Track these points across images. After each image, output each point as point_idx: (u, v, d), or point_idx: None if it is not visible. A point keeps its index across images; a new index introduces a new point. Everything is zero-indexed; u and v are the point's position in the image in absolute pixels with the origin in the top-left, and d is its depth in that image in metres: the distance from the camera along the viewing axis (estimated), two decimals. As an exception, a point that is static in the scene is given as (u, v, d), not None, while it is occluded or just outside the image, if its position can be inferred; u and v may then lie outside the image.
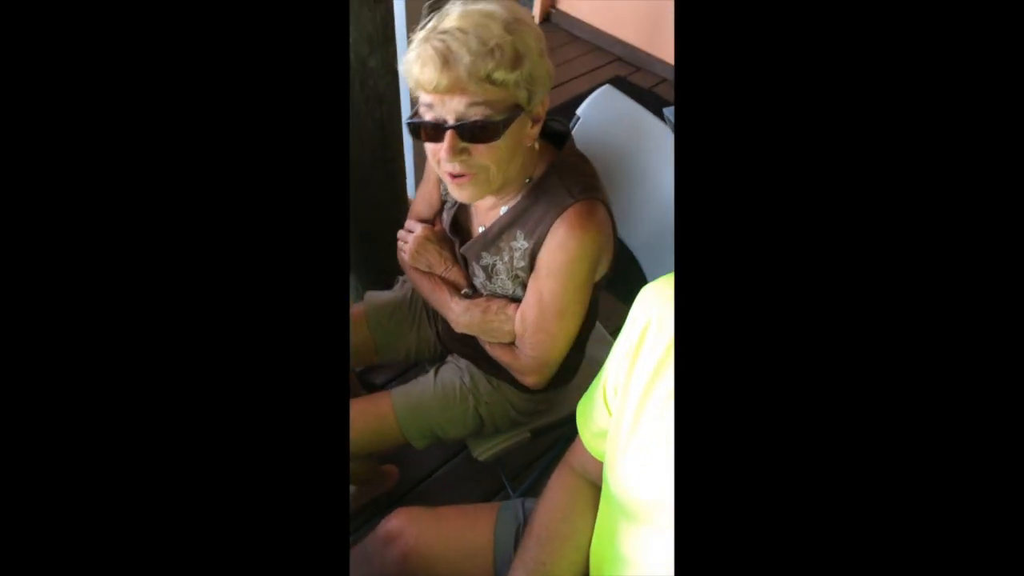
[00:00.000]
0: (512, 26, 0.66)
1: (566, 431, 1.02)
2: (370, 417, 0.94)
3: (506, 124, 0.68)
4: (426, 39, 0.65)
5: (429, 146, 0.71)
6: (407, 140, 1.56)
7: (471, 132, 0.67)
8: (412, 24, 1.32)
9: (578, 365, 1.00)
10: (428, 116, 0.68)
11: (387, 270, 1.31)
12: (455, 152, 0.68)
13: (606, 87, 1.05)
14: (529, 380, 0.87)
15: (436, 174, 0.91)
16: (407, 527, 0.77)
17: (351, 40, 0.97)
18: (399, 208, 1.30)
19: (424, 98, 0.68)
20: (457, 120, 0.67)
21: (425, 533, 0.76)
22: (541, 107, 0.73)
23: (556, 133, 0.83)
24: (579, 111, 1.04)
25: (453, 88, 0.65)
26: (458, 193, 0.75)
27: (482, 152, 0.69)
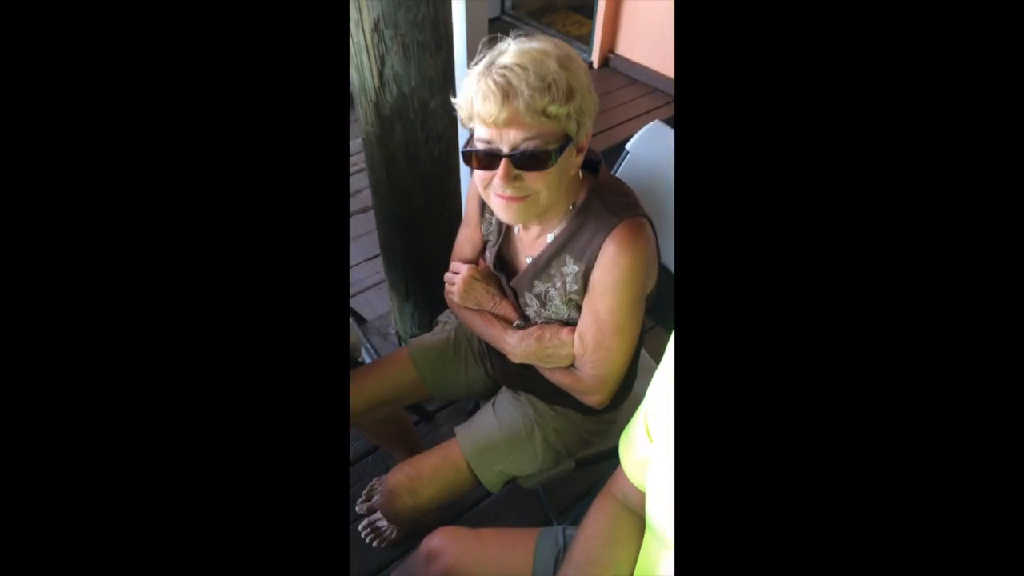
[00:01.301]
0: (565, 62, 0.71)
1: (612, 463, 1.01)
2: (444, 471, 0.96)
3: (557, 154, 0.72)
4: (486, 74, 0.70)
5: (479, 173, 0.76)
6: (464, 178, 1.63)
7: (524, 161, 0.72)
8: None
9: (634, 378, 0.99)
10: (482, 145, 0.73)
11: (437, 300, 1.36)
12: (508, 179, 0.73)
13: (655, 123, 1.08)
14: (594, 399, 0.88)
15: (476, 217, 0.97)
16: (449, 546, 0.78)
17: (413, 85, 1.04)
18: (454, 241, 1.36)
19: (480, 130, 0.73)
20: (511, 149, 0.71)
21: (466, 553, 0.77)
22: (585, 139, 0.77)
23: (589, 162, 0.86)
24: (628, 146, 1.07)
25: (511, 121, 0.70)
26: (506, 215, 0.78)
27: (534, 178, 0.74)
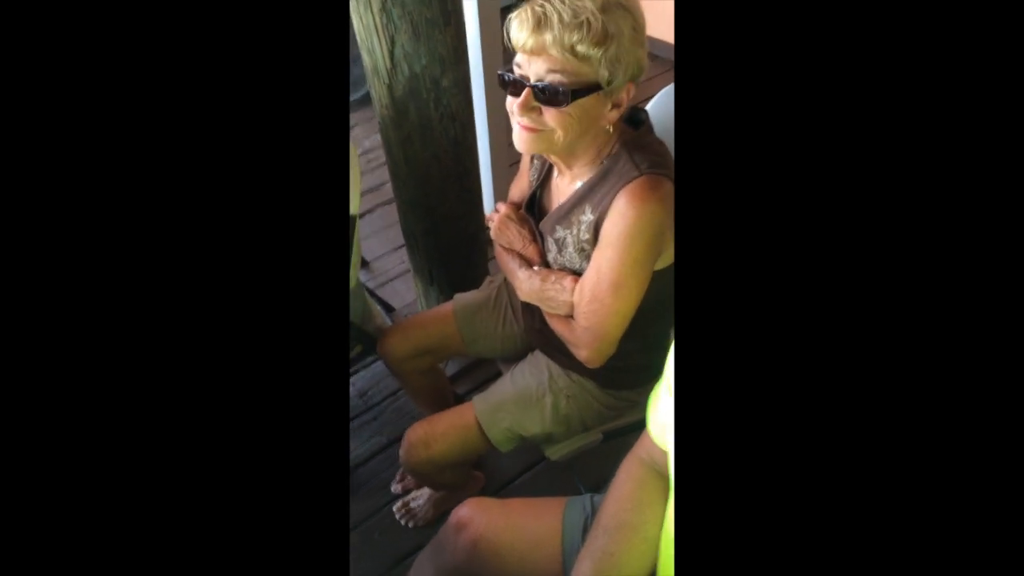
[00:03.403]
0: (609, 7, 0.70)
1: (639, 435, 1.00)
2: (457, 428, 1.00)
3: (576, 95, 0.72)
4: (532, 1, 0.71)
5: (509, 98, 0.77)
6: (482, 157, 1.63)
7: (543, 94, 0.73)
8: (486, 43, 1.42)
9: (661, 365, 0.98)
10: (516, 72, 0.75)
11: (464, 282, 1.36)
12: (526, 108, 0.74)
13: (670, 87, 1.05)
14: (583, 354, 0.86)
15: (527, 162, 0.99)
16: (477, 515, 0.78)
17: (424, 63, 1.04)
18: (475, 222, 1.36)
19: (518, 55, 0.74)
20: (535, 80, 0.72)
21: (494, 521, 0.77)
22: (624, 93, 0.76)
23: (638, 120, 0.86)
24: (647, 108, 1.05)
25: (538, 51, 0.71)
26: (517, 141, 0.79)
27: (551, 115, 0.74)
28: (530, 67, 0.73)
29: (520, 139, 0.78)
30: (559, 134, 0.75)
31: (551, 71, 0.71)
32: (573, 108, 0.73)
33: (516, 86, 0.74)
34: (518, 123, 0.77)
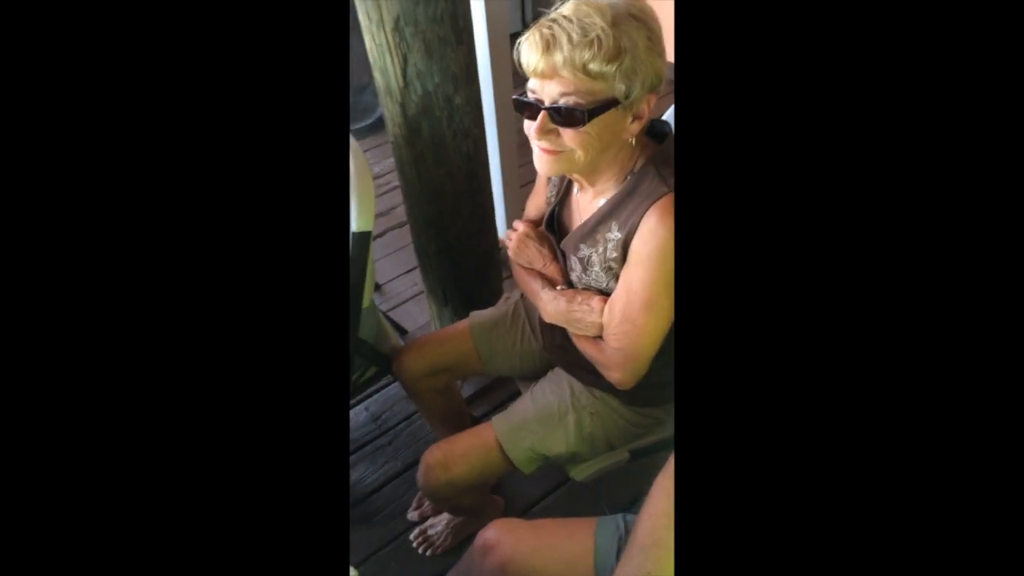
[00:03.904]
0: (620, 20, 0.68)
1: (670, 453, 0.96)
2: (477, 449, 0.96)
3: (593, 114, 0.70)
4: (540, 24, 0.70)
5: (526, 122, 0.76)
6: (495, 175, 1.63)
7: (559, 116, 0.71)
8: (496, 61, 1.43)
9: None
10: (530, 96, 0.73)
11: (479, 302, 1.34)
12: (543, 131, 0.72)
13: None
14: (615, 376, 0.84)
15: (544, 179, 0.97)
16: (504, 536, 0.75)
17: (437, 81, 1.05)
18: (488, 240, 1.35)
19: (531, 80, 0.73)
20: (550, 103, 0.71)
21: (523, 543, 0.74)
22: (645, 105, 0.74)
23: (657, 131, 0.84)
24: (665, 116, 1.04)
25: (550, 73, 0.69)
26: (539, 164, 0.78)
27: (569, 136, 0.73)
28: (544, 90, 0.71)
29: (541, 162, 0.77)
30: (579, 154, 0.74)
31: (564, 93, 0.70)
32: (592, 127, 0.71)
33: (532, 110, 0.73)
34: (538, 146, 0.76)
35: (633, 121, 0.75)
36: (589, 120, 0.70)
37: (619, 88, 0.70)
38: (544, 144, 0.74)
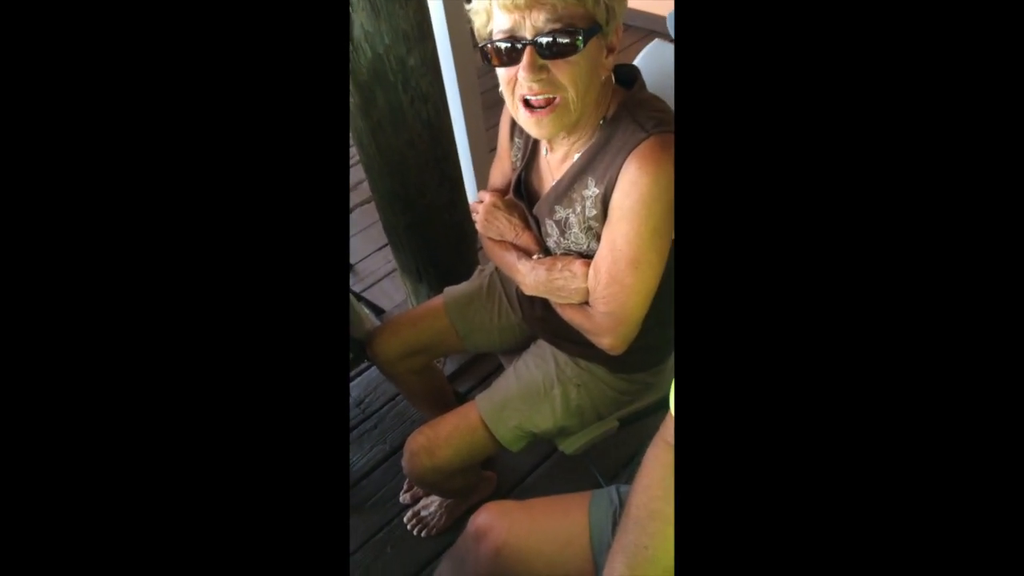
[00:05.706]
0: None
1: (660, 417, 0.94)
2: (462, 431, 0.92)
3: (586, 39, 0.65)
4: None
5: (503, 73, 0.69)
6: (460, 141, 1.55)
7: (551, 47, 0.65)
8: (451, 15, 1.34)
9: (671, 339, 0.92)
10: (502, 37, 0.67)
11: (455, 275, 1.29)
12: (534, 69, 0.66)
13: (656, 41, 0.99)
14: (605, 341, 0.79)
15: (507, 143, 0.90)
16: (497, 520, 0.72)
17: (387, 42, 0.97)
18: (459, 210, 1.29)
19: (500, 20, 0.66)
20: (535, 34, 0.65)
21: (516, 525, 0.71)
22: (615, 36, 0.70)
23: (626, 77, 0.78)
24: (635, 62, 0.99)
25: (532, 2, 0.63)
26: (537, 128, 0.72)
27: (562, 71, 0.67)
28: (526, 23, 0.65)
29: (537, 124, 0.70)
30: (571, 93, 0.68)
31: (551, 20, 0.64)
32: (583, 58, 0.66)
33: (512, 53, 0.66)
34: (527, 98, 0.69)
35: (608, 55, 0.70)
36: (583, 46, 0.65)
37: (599, 12, 0.65)
38: (536, 87, 0.67)
